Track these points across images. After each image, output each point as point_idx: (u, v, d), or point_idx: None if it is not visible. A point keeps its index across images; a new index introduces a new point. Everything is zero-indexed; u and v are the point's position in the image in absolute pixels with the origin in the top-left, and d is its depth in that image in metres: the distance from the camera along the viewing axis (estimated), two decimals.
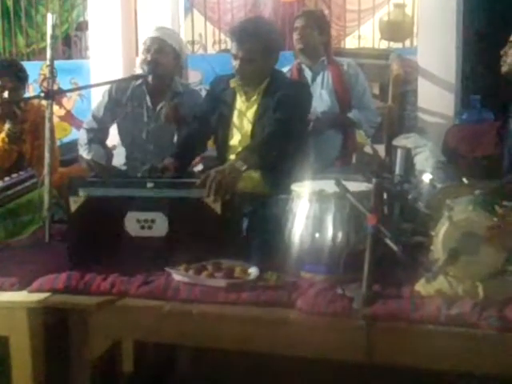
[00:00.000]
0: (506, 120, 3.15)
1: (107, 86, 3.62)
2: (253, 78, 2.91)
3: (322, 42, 3.86)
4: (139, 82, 3.53)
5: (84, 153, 3.54)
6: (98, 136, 3.59)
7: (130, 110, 3.53)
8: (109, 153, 3.71)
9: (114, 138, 3.73)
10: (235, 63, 2.88)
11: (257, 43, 2.83)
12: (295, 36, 3.85)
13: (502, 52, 3.10)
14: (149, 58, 3.40)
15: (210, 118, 3.03)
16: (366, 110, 3.86)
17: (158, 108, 3.50)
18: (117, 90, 3.56)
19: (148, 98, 3.51)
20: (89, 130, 3.59)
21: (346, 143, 3.84)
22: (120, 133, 3.63)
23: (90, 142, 3.55)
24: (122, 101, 3.54)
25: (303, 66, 3.87)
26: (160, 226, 2.30)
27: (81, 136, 3.65)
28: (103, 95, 3.62)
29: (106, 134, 3.67)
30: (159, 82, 3.48)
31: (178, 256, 2.22)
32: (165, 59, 3.43)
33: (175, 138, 3.43)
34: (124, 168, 3.51)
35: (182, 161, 2.94)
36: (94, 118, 3.61)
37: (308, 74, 3.86)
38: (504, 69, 3.09)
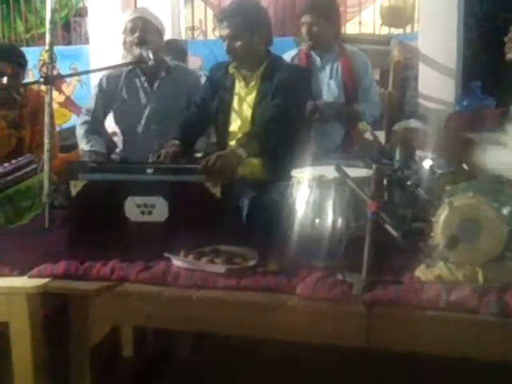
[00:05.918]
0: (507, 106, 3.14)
1: (98, 79, 3.60)
2: (244, 57, 2.91)
3: (331, 32, 3.73)
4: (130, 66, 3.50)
5: (83, 145, 3.51)
6: (92, 127, 3.56)
7: (127, 96, 3.51)
8: (108, 140, 3.70)
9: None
10: (224, 45, 2.90)
11: (237, 18, 2.87)
12: (303, 30, 3.70)
13: (505, 38, 3.07)
14: (136, 41, 3.35)
15: (209, 104, 3.03)
16: (371, 103, 3.81)
17: (155, 86, 3.48)
18: (108, 81, 3.54)
19: (143, 79, 3.49)
20: (83, 124, 3.56)
21: (348, 134, 3.79)
22: (117, 121, 3.60)
23: (86, 133, 3.52)
24: (117, 89, 3.51)
25: (312, 52, 3.76)
26: (160, 211, 2.29)
27: (77, 131, 3.62)
28: (94, 89, 3.61)
29: (100, 125, 3.63)
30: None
31: (177, 242, 2.21)
32: (152, 37, 3.39)
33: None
34: (123, 154, 3.50)
35: (186, 143, 2.94)
36: (88, 111, 3.59)
37: (317, 60, 3.78)
38: (509, 56, 3.07)
